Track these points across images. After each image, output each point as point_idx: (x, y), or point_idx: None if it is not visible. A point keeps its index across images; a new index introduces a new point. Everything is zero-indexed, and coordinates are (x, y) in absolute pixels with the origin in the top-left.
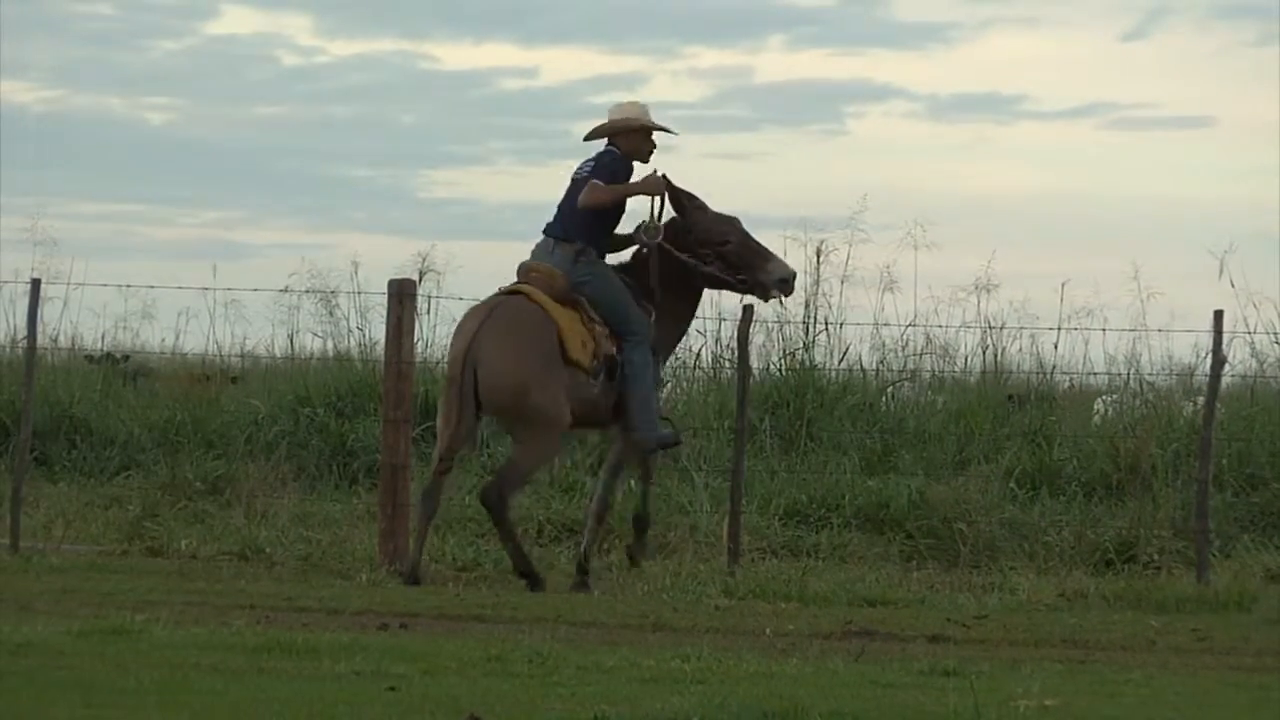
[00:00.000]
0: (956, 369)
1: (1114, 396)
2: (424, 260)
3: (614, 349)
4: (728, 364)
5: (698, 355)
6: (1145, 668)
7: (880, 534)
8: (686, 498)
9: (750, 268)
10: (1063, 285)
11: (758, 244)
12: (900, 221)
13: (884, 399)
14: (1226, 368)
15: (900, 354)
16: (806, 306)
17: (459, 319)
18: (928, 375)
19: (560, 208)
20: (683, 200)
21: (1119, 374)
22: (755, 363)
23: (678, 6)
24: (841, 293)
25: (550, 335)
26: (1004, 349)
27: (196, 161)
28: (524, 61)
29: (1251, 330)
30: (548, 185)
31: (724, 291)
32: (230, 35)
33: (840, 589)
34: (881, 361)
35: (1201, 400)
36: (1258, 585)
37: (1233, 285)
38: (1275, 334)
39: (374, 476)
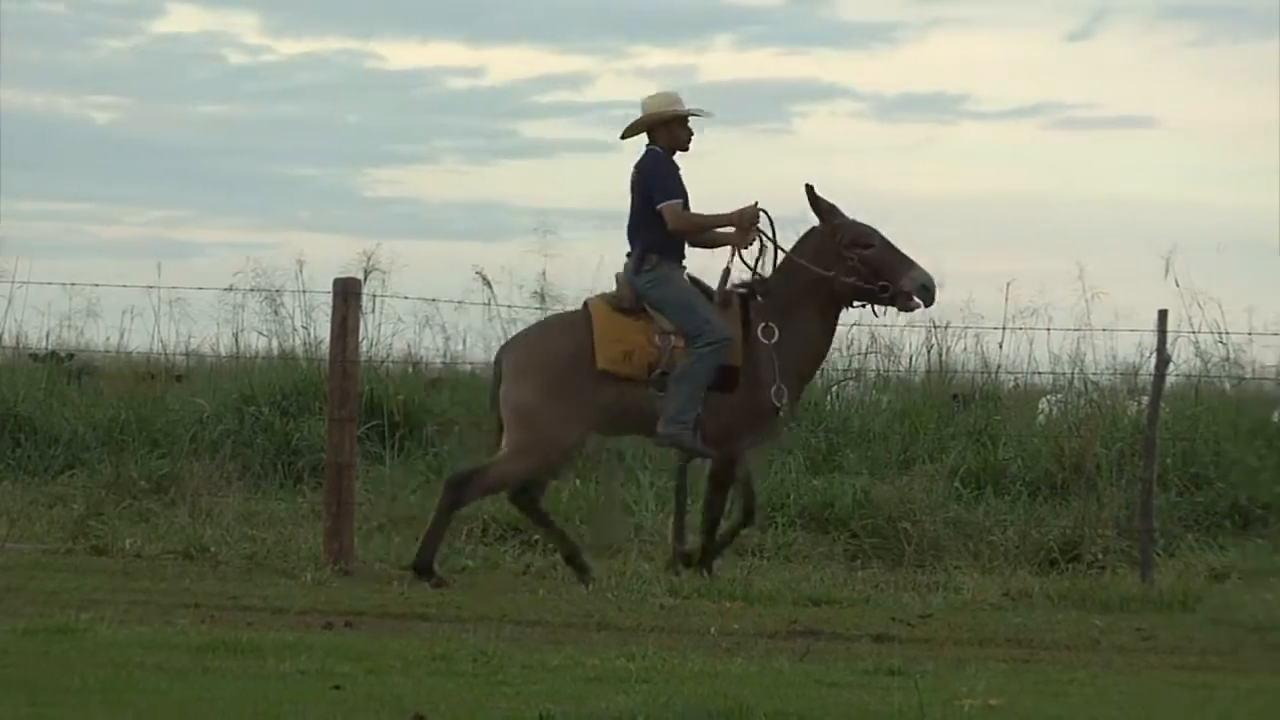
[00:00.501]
0: (901, 368)
1: (1058, 396)
2: (369, 259)
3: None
4: None
5: None
6: (1089, 667)
7: (825, 533)
8: (632, 497)
9: (893, 273)
10: (1008, 285)
11: (900, 251)
12: None
13: (829, 398)
14: (1170, 367)
15: (845, 353)
16: None
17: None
18: (873, 374)
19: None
20: (823, 206)
21: (1063, 373)
22: None
23: (624, 6)
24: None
25: (579, 347)
26: (949, 348)
27: (142, 160)
28: (470, 61)
29: (1195, 330)
30: (493, 184)
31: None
32: (176, 34)
33: (785, 588)
34: (828, 361)
35: (1146, 400)
36: (1201, 584)
37: (1177, 285)
38: (1219, 333)
39: (319, 475)
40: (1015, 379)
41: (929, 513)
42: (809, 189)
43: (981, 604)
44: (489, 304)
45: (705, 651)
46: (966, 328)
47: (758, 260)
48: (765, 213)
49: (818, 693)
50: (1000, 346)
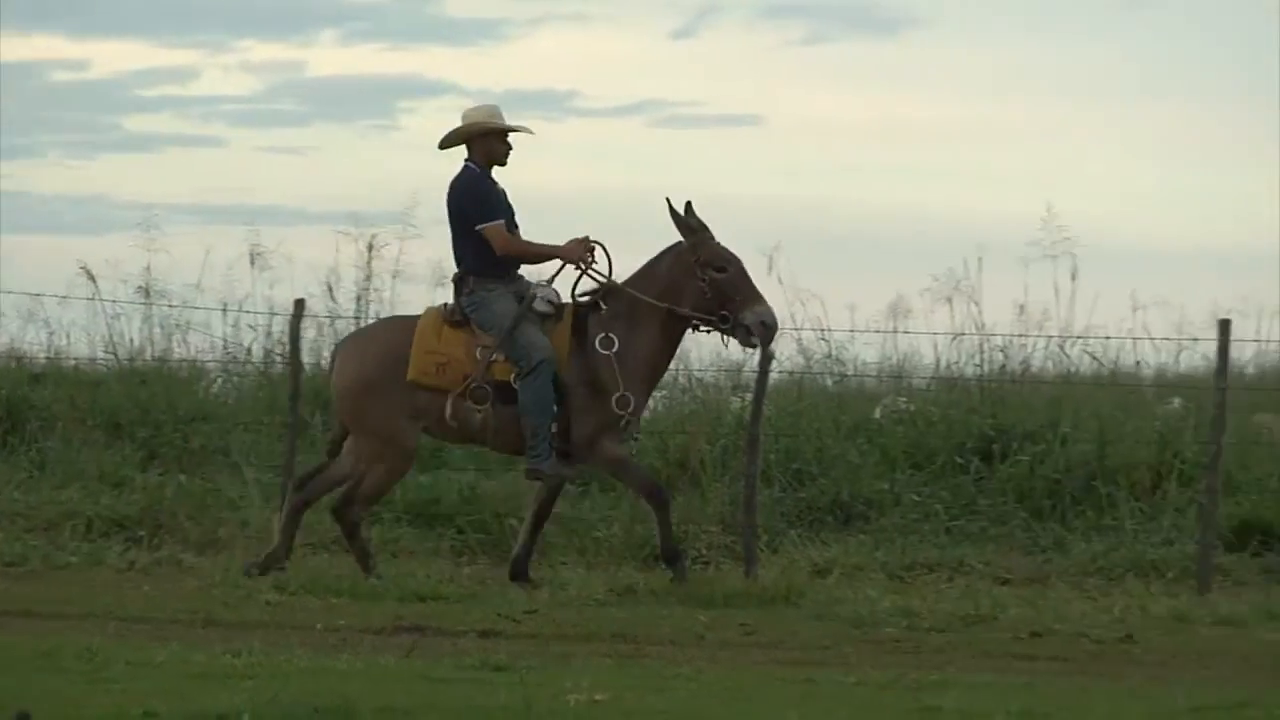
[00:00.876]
0: None
1: (663, 392)
2: None
3: (511, 377)
4: (279, 359)
5: (249, 349)
6: (694, 661)
7: (431, 529)
8: (237, 493)
9: (738, 304)
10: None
11: (753, 284)
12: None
13: None
14: (774, 364)
15: None
16: (358, 301)
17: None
18: None
19: None
20: (691, 224)
21: (669, 370)
22: (307, 358)
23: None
24: (393, 287)
25: (398, 353)
26: None
27: None
28: (74, 54)
29: (799, 327)
30: (98, 178)
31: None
32: None
33: (391, 584)
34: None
35: (750, 396)
36: (804, 580)
37: (780, 282)
38: (822, 330)
39: None
40: None
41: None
42: (672, 205)
43: (587, 600)
44: (93, 299)
45: (311, 648)
46: None
47: (610, 271)
48: (601, 245)
49: (424, 689)
50: None
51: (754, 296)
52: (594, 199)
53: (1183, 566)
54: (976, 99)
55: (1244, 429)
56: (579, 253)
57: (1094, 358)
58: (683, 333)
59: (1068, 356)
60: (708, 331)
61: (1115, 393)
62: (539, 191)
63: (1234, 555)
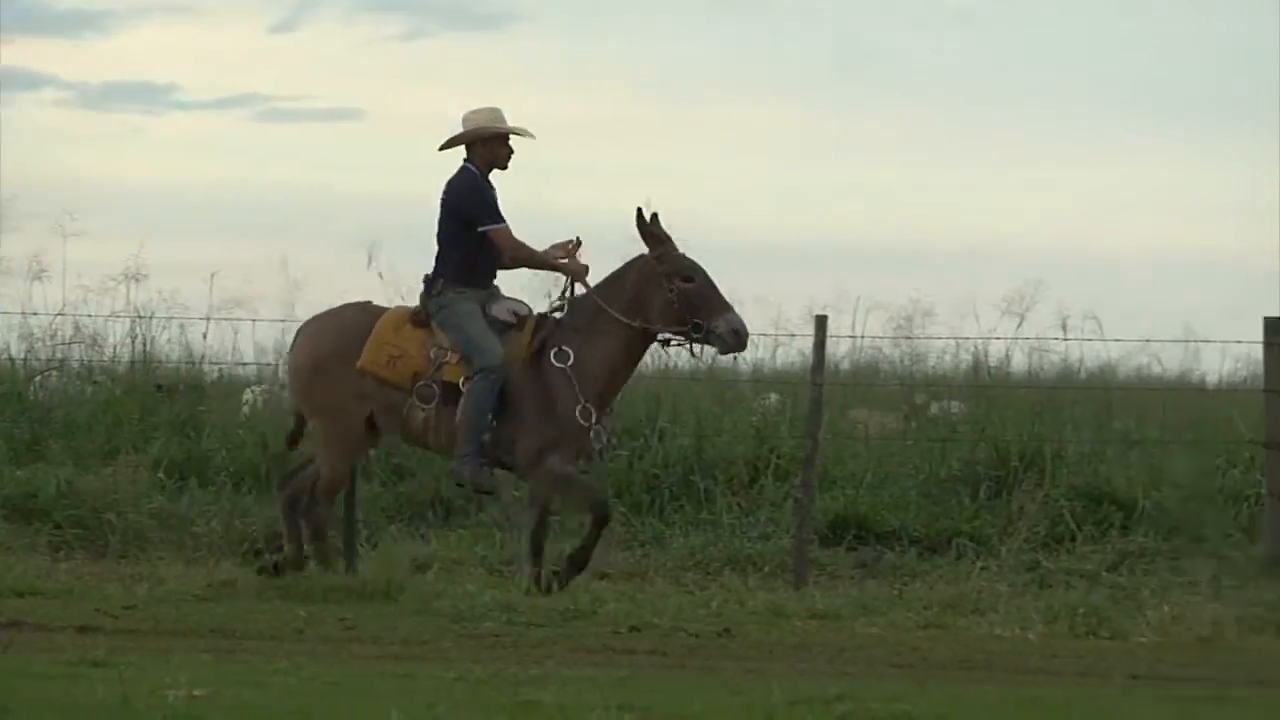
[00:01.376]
0: (105, 358)
1: (263, 386)
2: None
3: (460, 380)
4: None
5: None
6: (294, 657)
7: (29, 524)
8: None
9: (708, 313)
10: (212, 275)
11: (719, 292)
12: (49, 210)
13: (31, 388)
14: None
15: (48, 343)
16: None
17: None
18: (76, 364)
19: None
20: (656, 235)
21: (269, 364)
22: None
23: None
24: None
25: (358, 335)
26: (153, 338)
27: None
28: None
29: None
30: None
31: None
32: None
33: None
34: (29, 350)
35: None
36: (404, 575)
37: (380, 276)
38: None
39: None
40: (220, 369)
41: (133, 504)
42: (640, 215)
43: (186, 595)
44: None
45: None
46: (171, 318)
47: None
48: (582, 265)
49: (21, 685)
50: (205, 337)
51: (723, 305)
52: (195, 192)
53: (779, 561)
54: (576, 94)
55: (839, 424)
56: (580, 268)
57: (692, 354)
58: (647, 347)
59: (666, 352)
60: (678, 345)
61: (713, 388)
62: (139, 184)
63: (829, 550)
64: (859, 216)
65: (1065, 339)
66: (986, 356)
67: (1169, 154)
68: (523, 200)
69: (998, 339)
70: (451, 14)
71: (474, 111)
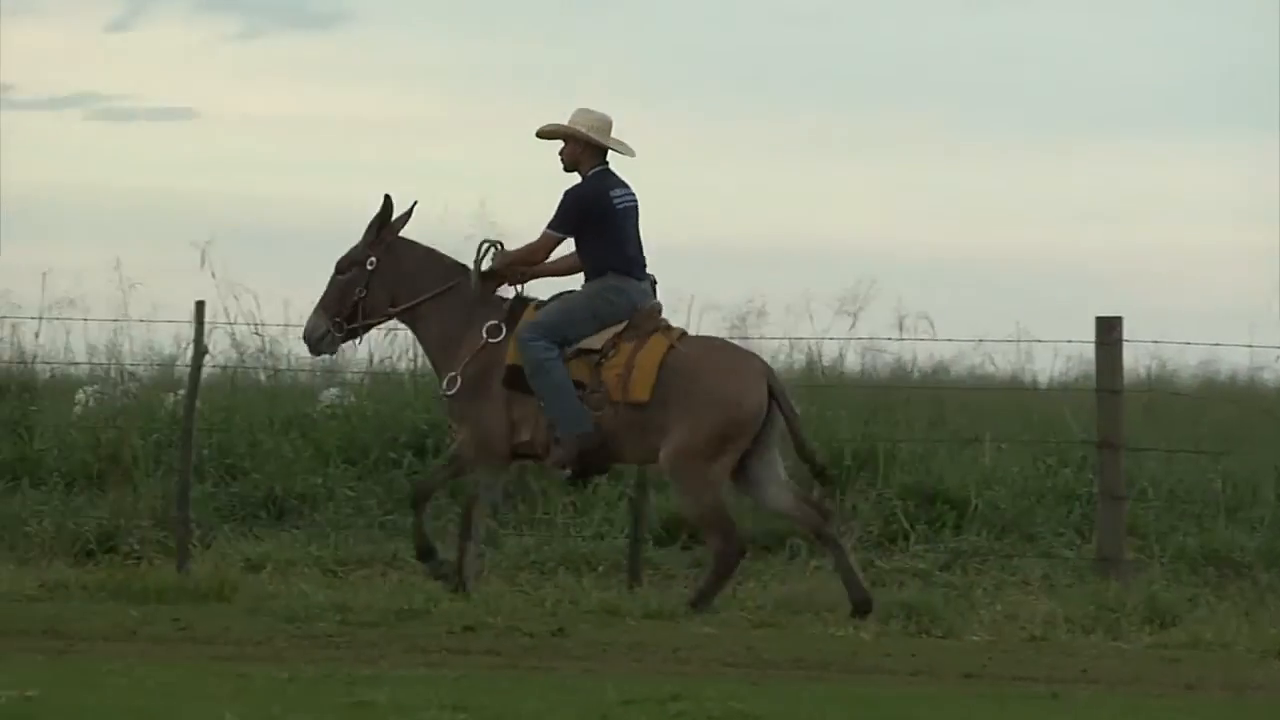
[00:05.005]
0: None
1: (96, 387)
2: None
3: None
4: None
5: None
6: (126, 657)
7: None
8: None
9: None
10: (44, 275)
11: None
12: None
13: None
14: (208, 358)
15: None
16: None
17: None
18: None
19: (636, 243)
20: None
21: (101, 364)
22: None
23: None
24: None
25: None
26: None
27: None
28: None
29: (232, 321)
30: None
31: None
32: None
33: None
34: None
35: (183, 391)
36: (238, 575)
37: (214, 276)
38: (255, 324)
39: None
40: (52, 369)
41: None
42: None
43: (17, 595)
44: None
45: None
46: (3, 317)
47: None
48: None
49: None
50: (37, 336)
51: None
52: (28, 192)
53: (614, 560)
54: (410, 94)
55: None
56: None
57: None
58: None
59: None
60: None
61: None
62: None
63: (664, 549)
64: (692, 218)
65: (899, 339)
66: (820, 356)
67: (1008, 156)
68: (343, 196)
69: (831, 339)
70: (287, 13)
71: (588, 114)
